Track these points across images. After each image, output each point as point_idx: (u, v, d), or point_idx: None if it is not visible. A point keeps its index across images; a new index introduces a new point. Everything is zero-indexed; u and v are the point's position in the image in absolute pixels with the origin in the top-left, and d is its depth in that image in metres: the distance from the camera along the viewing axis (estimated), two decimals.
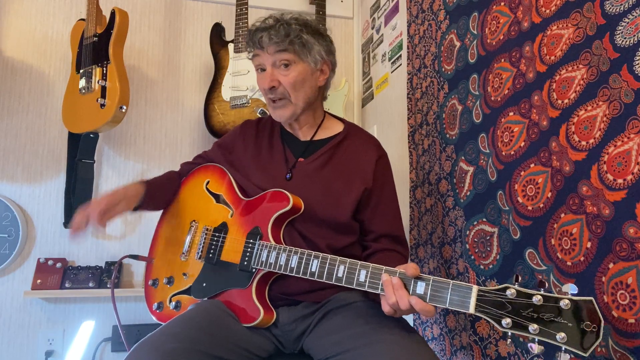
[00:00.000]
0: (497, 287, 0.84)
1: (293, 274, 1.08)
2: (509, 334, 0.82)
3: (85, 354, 1.95)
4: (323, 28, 1.31)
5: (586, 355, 0.74)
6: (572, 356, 0.75)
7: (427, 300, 0.90)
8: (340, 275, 1.02)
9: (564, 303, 0.77)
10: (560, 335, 0.76)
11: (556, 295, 0.79)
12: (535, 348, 0.79)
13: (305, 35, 1.22)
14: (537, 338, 0.79)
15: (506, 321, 0.81)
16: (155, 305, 1.27)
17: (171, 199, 1.39)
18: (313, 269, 1.05)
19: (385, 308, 0.96)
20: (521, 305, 0.81)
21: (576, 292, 0.78)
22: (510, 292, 0.82)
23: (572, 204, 0.99)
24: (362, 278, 0.99)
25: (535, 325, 0.78)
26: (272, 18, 1.23)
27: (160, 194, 1.35)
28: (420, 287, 0.91)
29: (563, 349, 0.76)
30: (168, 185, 1.38)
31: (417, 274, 0.92)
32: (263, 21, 1.24)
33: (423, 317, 1.60)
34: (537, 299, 0.79)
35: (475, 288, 0.85)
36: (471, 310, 0.84)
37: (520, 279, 0.84)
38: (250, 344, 1.10)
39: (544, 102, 1.08)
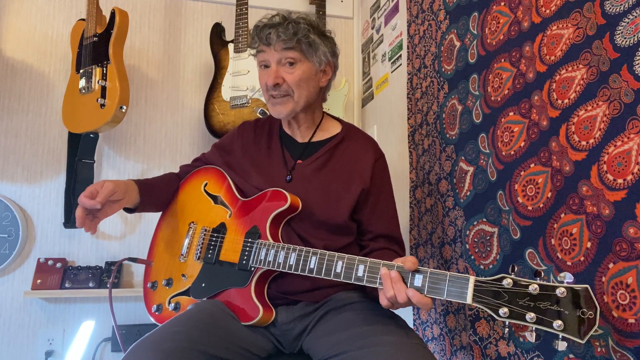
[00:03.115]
0: (493, 277, 0.85)
1: (292, 271, 1.08)
2: (507, 323, 0.83)
3: (85, 354, 1.94)
4: (328, 31, 1.32)
5: (582, 342, 0.75)
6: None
7: (425, 293, 0.90)
8: (338, 270, 1.02)
9: (560, 291, 0.77)
10: (557, 323, 0.77)
11: (552, 283, 0.79)
12: (533, 337, 0.79)
13: (313, 35, 1.23)
14: (534, 327, 0.79)
15: (503, 310, 0.82)
16: (154, 308, 1.27)
17: (170, 200, 1.39)
18: (312, 266, 1.06)
19: (383, 302, 0.96)
20: (518, 295, 0.81)
21: (572, 280, 0.78)
22: (507, 282, 0.83)
23: (572, 204, 0.99)
24: (360, 273, 0.99)
25: (532, 314, 0.79)
26: (280, 16, 1.24)
27: (157, 194, 1.34)
28: (418, 280, 0.92)
29: (560, 336, 0.77)
30: (164, 187, 1.37)
31: (415, 267, 0.92)
32: (270, 18, 1.24)
33: (423, 316, 1.59)
34: (533, 287, 0.80)
35: (472, 278, 0.86)
36: (469, 300, 0.85)
37: (516, 268, 0.84)
38: (249, 344, 1.10)
39: (544, 102, 1.08)
